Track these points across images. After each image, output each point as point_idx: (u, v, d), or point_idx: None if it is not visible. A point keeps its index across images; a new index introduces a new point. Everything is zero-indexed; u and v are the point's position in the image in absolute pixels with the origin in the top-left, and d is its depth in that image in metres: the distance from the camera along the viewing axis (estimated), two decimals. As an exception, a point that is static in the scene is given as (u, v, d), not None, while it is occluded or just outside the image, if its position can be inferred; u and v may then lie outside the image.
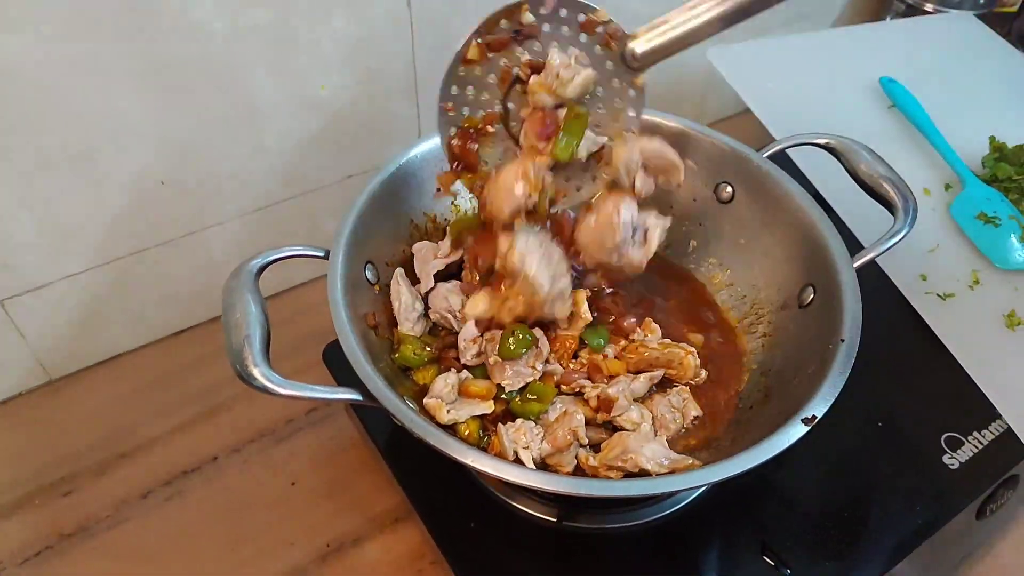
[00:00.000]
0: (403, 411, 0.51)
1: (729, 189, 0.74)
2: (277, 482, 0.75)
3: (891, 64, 1.04)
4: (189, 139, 0.74)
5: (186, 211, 0.79)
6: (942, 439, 0.73)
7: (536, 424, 0.60)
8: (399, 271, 0.69)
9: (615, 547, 0.65)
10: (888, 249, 0.64)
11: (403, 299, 0.67)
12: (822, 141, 0.72)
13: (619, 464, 0.57)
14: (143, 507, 0.73)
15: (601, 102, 0.62)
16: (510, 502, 0.66)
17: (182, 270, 0.83)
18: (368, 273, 0.64)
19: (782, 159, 0.75)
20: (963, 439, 0.73)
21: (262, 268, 0.58)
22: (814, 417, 0.52)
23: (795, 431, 0.52)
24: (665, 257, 0.78)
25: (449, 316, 0.67)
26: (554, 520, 0.64)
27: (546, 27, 0.60)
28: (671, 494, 0.64)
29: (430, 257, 0.68)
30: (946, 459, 0.71)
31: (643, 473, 0.56)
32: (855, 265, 0.63)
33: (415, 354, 0.64)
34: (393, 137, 0.87)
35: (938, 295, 0.80)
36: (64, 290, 0.76)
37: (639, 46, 0.59)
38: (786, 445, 0.51)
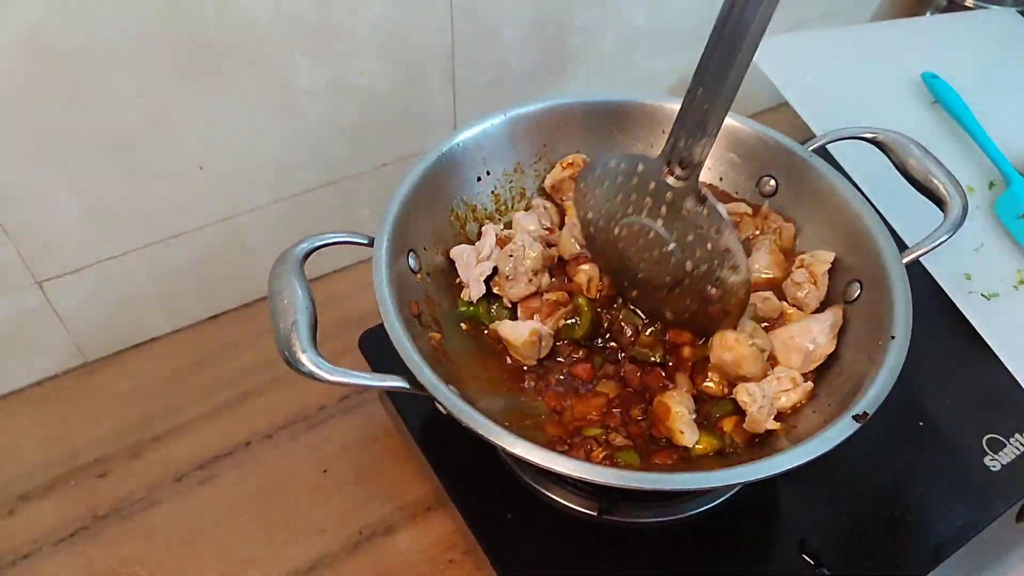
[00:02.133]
0: (451, 399, 0.51)
1: (772, 182, 0.73)
2: (309, 468, 0.75)
3: (932, 60, 1.02)
4: (227, 124, 0.74)
5: (223, 196, 0.79)
6: (984, 440, 0.72)
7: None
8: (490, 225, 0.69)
9: (654, 541, 0.65)
10: (938, 245, 0.63)
11: (487, 248, 0.67)
12: (869, 135, 0.70)
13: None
14: (176, 490, 0.73)
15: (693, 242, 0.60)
16: (548, 494, 0.65)
17: (217, 255, 0.82)
18: (411, 261, 0.63)
19: (822, 154, 0.74)
20: (1005, 441, 0.72)
21: (308, 254, 0.58)
22: (866, 414, 0.52)
23: (846, 428, 0.51)
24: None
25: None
26: (594, 513, 0.63)
27: None
28: (722, 488, 0.64)
29: (472, 261, 0.67)
30: (987, 461, 0.70)
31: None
32: (904, 262, 0.62)
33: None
34: (429, 126, 0.87)
35: (982, 295, 0.79)
36: (102, 273, 0.76)
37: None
38: (838, 441, 0.50)
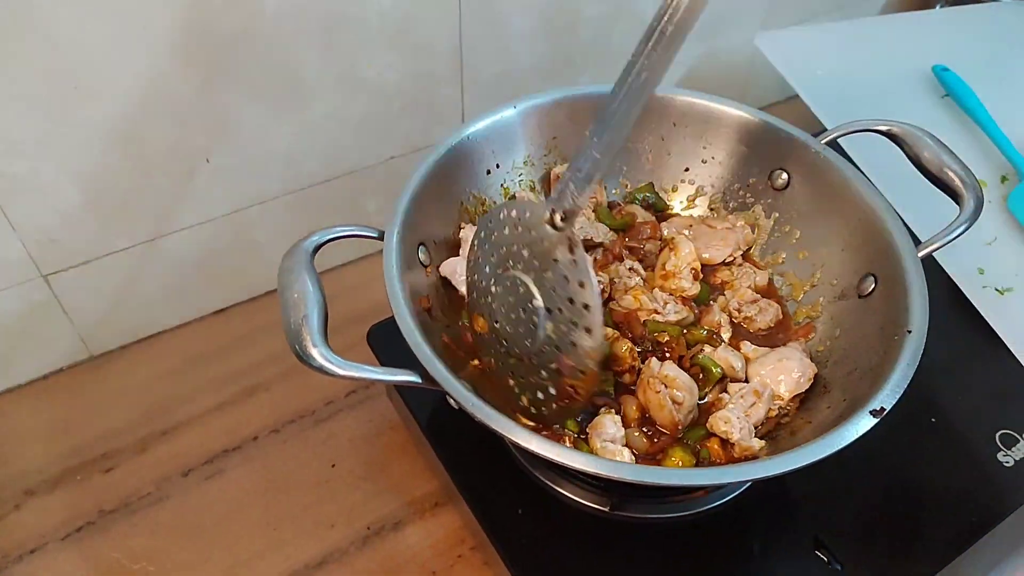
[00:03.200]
0: (463, 394, 0.50)
1: (784, 176, 0.72)
2: (317, 463, 0.75)
3: (943, 53, 1.01)
4: (235, 117, 0.73)
5: (230, 189, 0.78)
6: (997, 436, 0.71)
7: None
8: (468, 228, 0.67)
9: (666, 537, 0.64)
10: (953, 239, 0.62)
11: (459, 275, 0.65)
12: (884, 128, 0.70)
13: None
14: (184, 484, 0.73)
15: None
16: (559, 489, 0.65)
17: (224, 249, 0.82)
18: (421, 255, 0.63)
19: (833, 147, 0.73)
20: (1018, 436, 0.71)
21: (318, 247, 0.57)
22: (883, 409, 0.51)
23: (863, 423, 0.51)
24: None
25: None
26: (606, 509, 0.63)
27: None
28: (735, 484, 0.63)
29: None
30: (1001, 456, 0.70)
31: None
32: (919, 256, 0.61)
33: None
34: (437, 118, 0.86)
35: (996, 289, 0.78)
36: (108, 266, 0.76)
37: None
38: (855, 437, 0.50)
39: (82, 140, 0.67)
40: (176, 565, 0.68)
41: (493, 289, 0.58)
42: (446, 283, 0.65)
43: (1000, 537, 0.67)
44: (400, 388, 0.72)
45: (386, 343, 0.74)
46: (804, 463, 0.49)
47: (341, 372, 0.50)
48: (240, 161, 0.77)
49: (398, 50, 0.78)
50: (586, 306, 0.51)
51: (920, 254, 0.62)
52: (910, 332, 0.56)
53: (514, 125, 0.71)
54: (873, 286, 0.63)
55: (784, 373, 0.62)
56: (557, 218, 0.52)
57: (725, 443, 0.59)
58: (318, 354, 0.50)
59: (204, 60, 0.68)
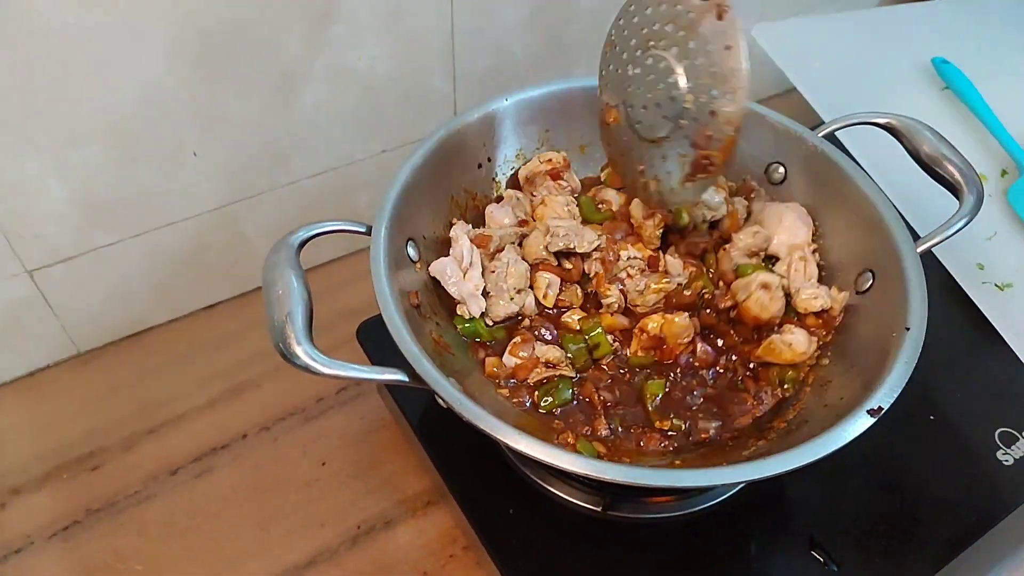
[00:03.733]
0: (451, 393, 0.49)
1: (781, 170, 0.71)
2: (307, 461, 0.74)
3: (942, 45, 1.00)
4: (222, 110, 0.72)
5: (217, 183, 0.77)
6: (996, 434, 0.70)
7: None
8: (459, 225, 0.66)
9: (659, 538, 0.63)
10: (953, 234, 0.61)
11: (464, 253, 0.64)
12: (882, 121, 0.68)
13: None
14: (171, 483, 0.72)
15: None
16: (551, 489, 0.64)
17: (212, 244, 0.81)
18: (410, 250, 0.62)
19: (831, 140, 0.72)
20: (1018, 435, 0.70)
21: (303, 242, 0.56)
22: (880, 408, 0.50)
23: (861, 423, 0.50)
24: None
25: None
26: (598, 509, 0.62)
27: None
28: (730, 484, 0.63)
29: (459, 275, 0.63)
30: (1000, 455, 0.69)
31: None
32: (918, 251, 0.60)
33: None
34: (429, 111, 0.85)
35: (995, 285, 0.77)
36: (94, 262, 0.75)
37: None
38: (852, 437, 0.49)
39: (65, 133, 0.66)
40: (164, 565, 0.67)
41: (631, 72, 0.60)
42: (436, 282, 0.64)
43: (999, 537, 0.66)
44: (390, 386, 0.71)
45: (376, 340, 0.73)
46: (799, 464, 0.48)
47: (326, 371, 0.49)
48: (227, 155, 0.75)
49: (389, 42, 0.77)
50: (732, 70, 0.53)
51: (919, 249, 0.61)
52: (908, 330, 0.55)
53: (506, 118, 0.70)
54: (871, 282, 0.62)
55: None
56: None
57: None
58: (302, 352, 0.49)
59: (190, 51, 0.67)
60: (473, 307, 0.63)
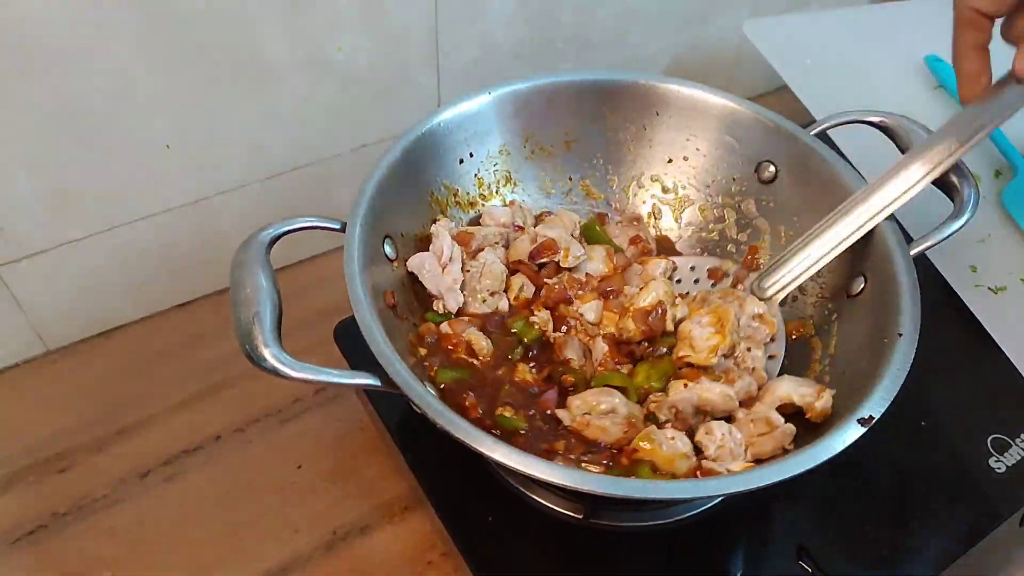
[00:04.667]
0: (425, 398, 0.47)
1: (772, 168, 0.70)
2: (282, 465, 0.72)
3: (936, 42, 0.98)
4: (195, 101, 0.70)
5: (192, 177, 0.75)
6: (988, 441, 0.69)
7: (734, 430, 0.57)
8: (443, 221, 0.65)
9: (643, 546, 0.62)
10: (948, 237, 0.60)
11: (445, 249, 0.63)
12: (875, 119, 0.67)
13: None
14: (142, 487, 0.70)
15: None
16: (531, 496, 0.62)
17: (187, 239, 0.79)
18: (387, 248, 0.60)
19: (823, 139, 0.71)
20: (1011, 441, 0.69)
21: (274, 240, 0.54)
22: (871, 418, 0.49)
23: (850, 432, 0.48)
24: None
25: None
26: (579, 517, 0.60)
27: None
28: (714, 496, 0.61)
29: (437, 269, 0.62)
30: (992, 462, 0.68)
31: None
32: (911, 254, 0.59)
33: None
34: (411, 105, 0.83)
35: (989, 288, 0.76)
36: (63, 257, 0.73)
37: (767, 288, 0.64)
38: (842, 447, 0.47)
39: (30, 123, 0.64)
40: (133, 571, 0.65)
41: None
42: (414, 278, 0.62)
43: (992, 546, 0.65)
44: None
45: (353, 341, 0.70)
46: (787, 475, 0.46)
47: (294, 375, 0.47)
48: (202, 147, 0.73)
49: (369, 32, 0.75)
50: None
51: (913, 252, 0.60)
52: (901, 336, 0.53)
53: (489, 112, 0.68)
54: (863, 286, 0.61)
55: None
56: None
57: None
58: (270, 355, 0.47)
59: (161, 40, 0.65)
60: (451, 302, 0.62)
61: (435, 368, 0.58)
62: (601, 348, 0.63)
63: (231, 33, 0.68)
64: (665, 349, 0.62)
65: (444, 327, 0.61)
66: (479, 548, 0.60)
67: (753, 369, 0.60)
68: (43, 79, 0.62)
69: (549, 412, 0.58)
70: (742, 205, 0.72)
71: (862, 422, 0.49)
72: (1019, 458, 0.68)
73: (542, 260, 0.66)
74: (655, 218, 0.76)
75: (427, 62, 0.81)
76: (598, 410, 0.56)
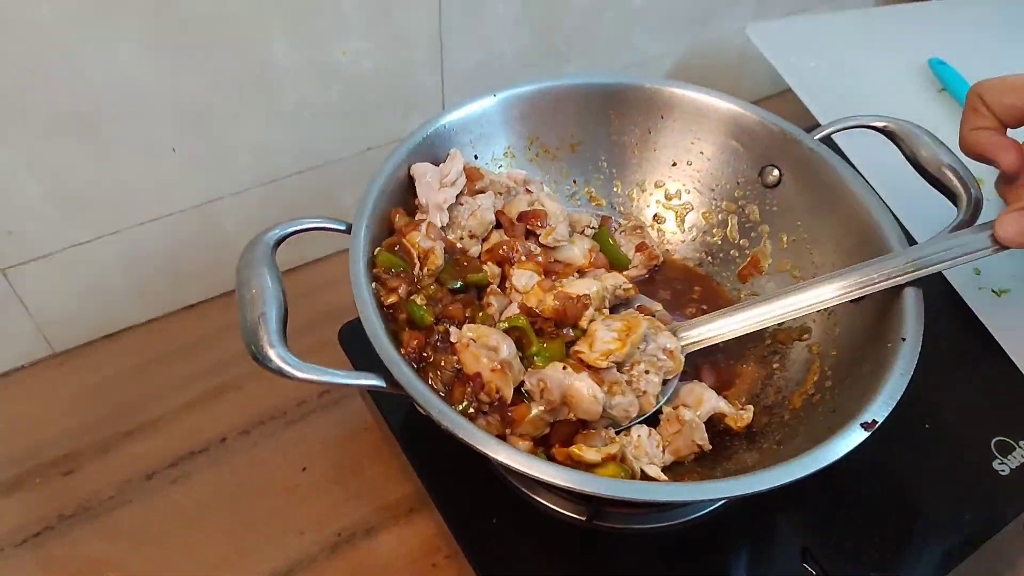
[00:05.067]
0: (432, 400, 0.48)
1: (776, 172, 0.70)
2: (287, 467, 0.72)
3: (940, 45, 0.99)
4: (201, 104, 0.70)
5: (197, 180, 0.75)
6: (992, 443, 0.69)
7: (653, 433, 0.58)
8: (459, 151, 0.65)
9: (646, 548, 0.62)
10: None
11: (453, 172, 0.63)
12: (880, 124, 0.67)
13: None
14: (147, 489, 0.70)
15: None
16: (536, 498, 0.62)
17: (192, 242, 0.79)
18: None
19: (827, 143, 0.71)
20: (1015, 444, 0.69)
21: (280, 240, 0.54)
22: (875, 422, 0.49)
23: (854, 436, 0.48)
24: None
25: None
26: (583, 519, 0.60)
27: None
28: (718, 499, 0.61)
29: (435, 183, 0.62)
30: (996, 465, 0.67)
31: None
32: (917, 259, 0.59)
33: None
34: (415, 108, 0.83)
35: (992, 291, 0.76)
36: (70, 259, 0.73)
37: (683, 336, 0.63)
38: (845, 451, 0.47)
39: (38, 126, 0.64)
40: (138, 573, 0.65)
41: None
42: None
43: (996, 549, 0.65)
44: (371, 391, 0.70)
45: (358, 343, 0.71)
46: (792, 479, 0.46)
47: (300, 375, 0.47)
48: (207, 150, 0.74)
49: (374, 37, 0.75)
50: None
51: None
52: (904, 340, 0.53)
53: (494, 115, 0.68)
54: (866, 290, 0.61)
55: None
56: None
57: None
58: (275, 355, 0.47)
59: (168, 44, 0.65)
60: (434, 216, 0.62)
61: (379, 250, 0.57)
62: (512, 311, 0.61)
63: (238, 38, 0.68)
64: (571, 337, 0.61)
65: (420, 231, 0.60)
66: (483, 550, 0.60)
67: (644, 393, 0.59)
68: (49, 80, 0.62)
69: (449, 329, 0.57)
70: (746, 209, 0.72)
71: (865, 426, 0.48)
72: (1023, 460, 0.68)
73: (528, 227, 0.66)
74: (658, 223, 0.76)
75: (431, 66, 0.81)
76: (485, 341, 0.55)
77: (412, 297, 0.57)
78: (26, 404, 0.75)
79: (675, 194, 0.75)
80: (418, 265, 0.58)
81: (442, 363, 0.55)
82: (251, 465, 0.72)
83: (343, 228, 0.57)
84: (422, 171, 0.63)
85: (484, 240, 0.66)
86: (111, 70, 0.64)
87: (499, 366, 0.54)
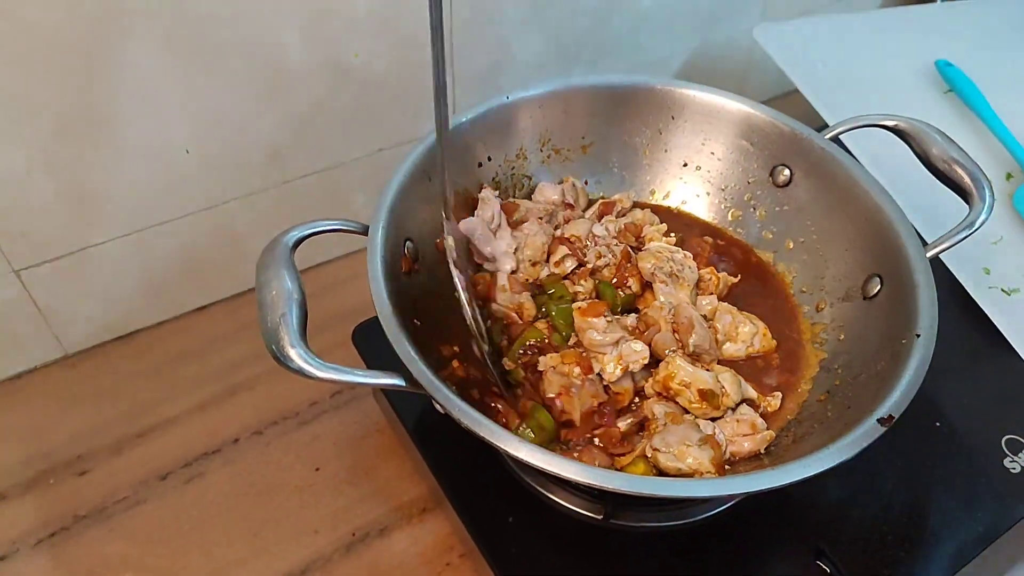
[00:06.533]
0: (450, 399, 0.48)
1: (787, 172, 0.70)
2: (300, 467, 0.72)
3: (946, 47, 0.99)
4: (215, 106, 0.71)
5: (210, 182, 0.76)
6: (1003, 441, 0.69)
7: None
8: (487, 190, 0.67)
9: (662, 546, 0.62)
10: (963, 239, 0.60)
11: (494, 215, 0.65)
12: (891, 123, 0.67)
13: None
14: (161, 489, 0.70)
15: None
16: (551, 496, 0.62)
17: (205, 243, 0.79)
18: (407, 250, 0.60)
19: (836, 143, 0.71)
20: (1025, 442, 0.69)
21: (299, 242, 0.54)
22: (891, 417, 0.49)
23: (872, 431, 0.48)
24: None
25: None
26: (599, 517, 0.60)
27: None
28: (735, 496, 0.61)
29: (489, 234, 0.63)
30: (1007, 463, 0.68)
31: None
32: (927, 256, 0.59)
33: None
34: (427, 110, 0.82)
35: (1002, 290, 0.76)
36: (83, 261, 0.73)
37: None
38: (863, 446, 0.48)
39: (52, 128, 0.64)
40: (153, 573, 0.65)
41: None
42: (432, 284, 0.62)
43: (1007, 546, 0.65)
44: (386, 390, 0.70)
45: (372, 343, 0.71)
46: (809, 474, 0.46)
47: (320, 375, 0.47)
48: (220, 152, 0.74)
49: (385, 39, 0.76)
50: None
51: (928, 255, 0.60)
52: (919, 336, 0.53)
53: (506, 116, 0.69)
54: (879, 287, 0.61)
55: None
56: None
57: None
58: (296, 355, 0.47)
59: (182, 46, 0.66)
60: (505, 264, 0.64)
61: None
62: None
63: (251, 39, 0.68)
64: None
65: (505, 288, 0.62)
66: (500, 549, 0.61)
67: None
68: (62, 81, 0.63)
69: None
70: (756, 208, 0.73)
71: (882, 421, 0.49)
72: (1034, 459, 0.68)
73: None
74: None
75: (442, 68, 0.82)
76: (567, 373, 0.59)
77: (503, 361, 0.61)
78: (40, 406, 0.75)
79: (687, 200, 0.75)
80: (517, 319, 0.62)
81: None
82: (264, 465, 0.72)
83: (359, 229, 0.57)
84: (471, 227, 0.64)
85: (546, 261, 0.67)
86: (124, 71, 0.64)
87: (570, 387, 0.58)
